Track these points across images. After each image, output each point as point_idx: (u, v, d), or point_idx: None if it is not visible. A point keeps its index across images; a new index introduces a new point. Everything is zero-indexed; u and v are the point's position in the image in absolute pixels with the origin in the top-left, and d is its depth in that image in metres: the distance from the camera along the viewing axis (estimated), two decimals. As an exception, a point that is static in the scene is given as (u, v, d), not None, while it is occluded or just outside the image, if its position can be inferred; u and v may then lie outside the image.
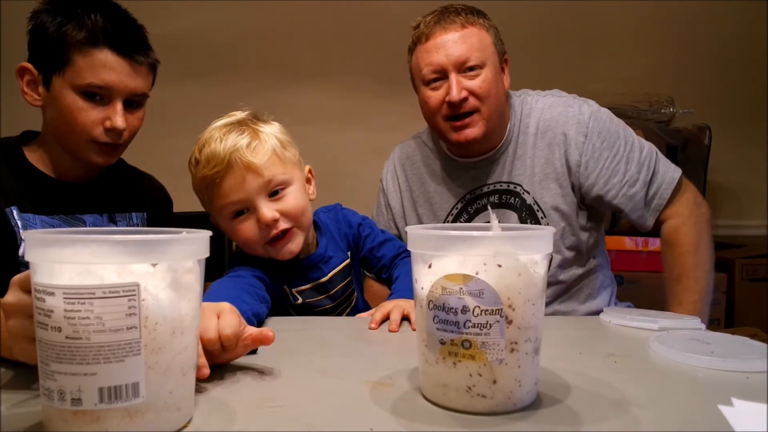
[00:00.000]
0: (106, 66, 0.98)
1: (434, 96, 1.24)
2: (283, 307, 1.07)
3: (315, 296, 1.09)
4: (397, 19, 2.41)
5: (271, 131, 1.00)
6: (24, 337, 0.55)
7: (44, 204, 1.05)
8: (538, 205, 1.29)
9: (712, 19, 2.51)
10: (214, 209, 0.99)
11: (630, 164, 1.26)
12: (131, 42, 1.02)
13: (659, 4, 2.49)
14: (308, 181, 1.08)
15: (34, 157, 1.07)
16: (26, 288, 0.54)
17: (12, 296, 0.55)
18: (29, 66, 1.02)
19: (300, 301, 1.08)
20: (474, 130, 1.23)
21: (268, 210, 0.96)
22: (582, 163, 1.26)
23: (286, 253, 1.01)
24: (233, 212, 0.98)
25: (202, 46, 2.45)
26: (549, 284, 1.31)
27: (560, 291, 1.32)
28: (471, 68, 1.21)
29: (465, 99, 1.21)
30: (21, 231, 1.01)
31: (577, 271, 1.33)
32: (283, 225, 0.98)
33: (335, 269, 1.11)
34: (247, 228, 0.98)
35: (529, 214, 1.30)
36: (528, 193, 1.30)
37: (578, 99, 1.33)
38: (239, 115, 1.02)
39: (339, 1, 2.44)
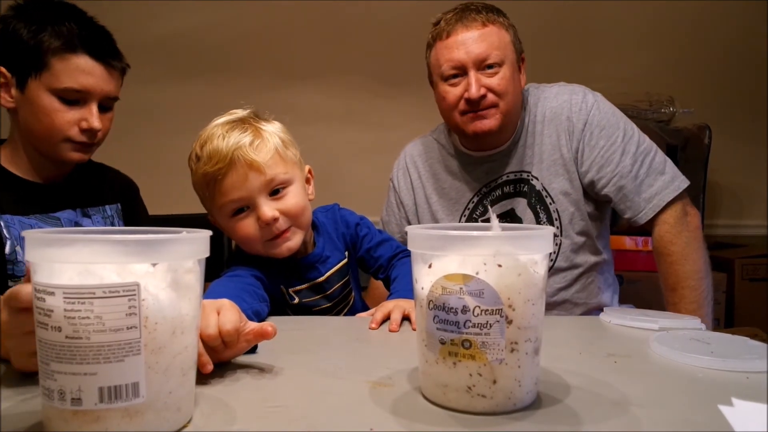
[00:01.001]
0: (84, 71, 1.02)
1: (452, 92, 1.27)
2: (280, 307, 1.07)
3: (312, 296, 1.09)
4: (397, 18, 2.42)
5: (273, 130, 1.00)
6: (24, 353, 0.57)
7: (20, 205, 1.07)
8: (546, 191, 1.32)
9: (712, 19, 2.51)
10: (214, 207, 0.99)
11: (625, 156, 1.27)
12: (106, 48, 1.06)
13: (660, 4, 2.49)
14: (308, 181, 1.08)
15: (5, 161, 1.09)
16: (16, 306, 0.55)
17: (5, 315, 0.57)
18: (2, 69, 1.04)
19: (297, 301, 1.08)
20: (490, 122, 1.26)
21: (268, 209, 0.96)
22: (579, 149, 1.29)
23: (285, 250, 1.00)
24: (233, 210, 0.98)
25: (202, 45, 2.45)
26: (564, 269, 1.33)
27: (576, 276, 1.34)
28: (490, 66, 1.24)
29: (483, 96, 1.24)
30: (5, 230, 1.02)
31: (591, 258, 1.34)
32: (283, 225, 0.99)
33: (332, 269, 1.11)
34: (247, 226, 0.98)
35: (538, 200, 1.32)
36: (537, 179, 1.32)
37: (584, 88, 1.35)
38: (240, 113, 1.01)
39: (339, 1, 2.44)
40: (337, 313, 1.14)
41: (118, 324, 0.45)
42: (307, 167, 1.09)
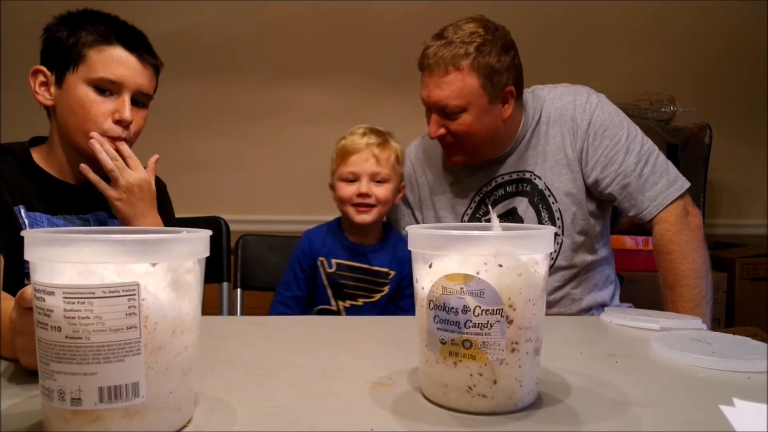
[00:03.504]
0: (119, 61, 1.06)
1: (430, 121, 1.29)
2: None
3: (350, 273, 1.33)
4: (397, 17, 2.41)
5: (396, 146, 1.35)
6: (34, 351, 0.57)
7: (50, 204, 1.08)
8: (549, 191, 1.32)
9: (712, 19, 2.51)
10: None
11: (629, 155, 1.27)
12: (139, 42, 1.10)
13: (660, 4, 2.48)
14: (399, 191, 1.37)
15: (41, 160, 1.11)
16: (26, 305, 0.56)
17: (17, 313, 0.58)
18: (42, 68, 1.07)
19: (333, 270, 1.33)
20: (458, 158, 1.31)
21: (365, 185, 1.29)
22: (583, 149, 1.30)
23: (359, 219, 1.30)
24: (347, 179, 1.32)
25: (202, 43, 2.44)
26: (563, 267, 1.34)
27: (573, 275, 1.35)
28: (448, 114, 1.23)
29: (443, 136, 1.26)
30: (29, 228, 1.03)
31: (587, 257, 1.35)
32: (369, 201, 1.29)
33: (378, 267, 1.34)
34: (346, 189, 1.31)
35: (540, 199, 1.33)
36: (540, 178, 1.33)
37: (588, 89, 1.36)
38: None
39: (339, 0, 2.43)
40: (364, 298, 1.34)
41: (117, 324, 0.45)
42: (402, 183, 1.38)
